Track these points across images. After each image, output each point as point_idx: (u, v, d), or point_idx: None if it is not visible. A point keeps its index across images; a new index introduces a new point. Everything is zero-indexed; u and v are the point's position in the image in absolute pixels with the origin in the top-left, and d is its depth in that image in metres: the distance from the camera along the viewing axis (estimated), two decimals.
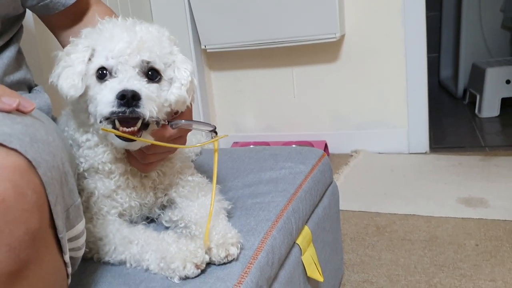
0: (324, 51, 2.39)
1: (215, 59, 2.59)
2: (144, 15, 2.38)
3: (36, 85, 1.02)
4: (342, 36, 2.33)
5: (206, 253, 0.70)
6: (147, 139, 0.72)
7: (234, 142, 2.58)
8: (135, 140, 0.71)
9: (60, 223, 0.57)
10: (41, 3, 0.95)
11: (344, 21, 2.29)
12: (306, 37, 2.24)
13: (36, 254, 0.53)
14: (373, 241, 1.54)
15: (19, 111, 0.59)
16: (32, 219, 0.51)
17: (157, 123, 0.73)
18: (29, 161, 0.52)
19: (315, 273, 0.99)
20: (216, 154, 0.74)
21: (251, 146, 2.24)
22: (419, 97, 2.32)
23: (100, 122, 0.71)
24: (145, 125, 0.72)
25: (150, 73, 0.75)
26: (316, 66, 2.45)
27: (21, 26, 1.01)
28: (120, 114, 0.69)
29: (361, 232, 1.60)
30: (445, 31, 3.72)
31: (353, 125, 2.46)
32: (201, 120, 0.79)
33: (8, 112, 0.57)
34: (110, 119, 0.70)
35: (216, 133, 0.76)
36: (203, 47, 2.45)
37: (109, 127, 0.71)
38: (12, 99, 0.58)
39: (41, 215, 0.53)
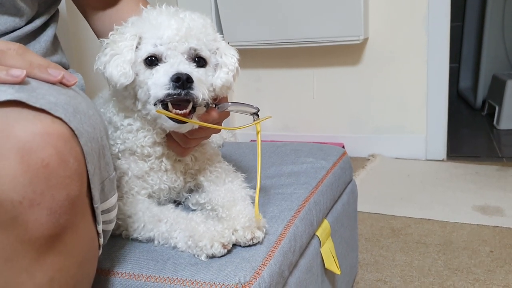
0: (346, 53, 2.40)
1: None
2: None
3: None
4: (365, 40, 2.34)
5: (232, 234, 0.72)
6: (198, 121, 0.74)
7: (251, 140, 2.60)
8: (186, 122, 0.73)
9: (96, 193, 0.59)
10: None
11: (368, 25, 2.30)
12: (329, 38, 2.26)
13: (73, 221, 0.55)
14: (388, 243, 1.54)
15: (62, 83, 0.61)
16: (72, 186, 0.53)
17: (206, 105, 0.75)
18: (72, 130, 0.54)
19: (333, 266, 1.00)
20: (259, 136, 0.76)
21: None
22: (439, 104, 2.32)
23: (155, 104, 0.73)
24: (194, 108, 0.74)
25: (196, 59, 0.77)
26: (337, 68, 2.46)
27: (57, 10, 1.03)
28: (175, 96, 0.71)
29: (376, 233, 1.61)
30: (467, 42, 3.71)
31: (371, 129, 2.47)
32: (245, 102, 0.80)
33: (53, 83, 0.59)
34: (164, 101, 0.72)
35: (258, 116, 0.77)
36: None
37: (160, 109, 0.73)
38: (57, 71, 0.60)
39: (80, 183, 0.55)
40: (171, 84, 0.71)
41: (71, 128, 0.54)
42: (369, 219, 1.71)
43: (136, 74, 0.76)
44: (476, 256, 1.43)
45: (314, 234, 0.96)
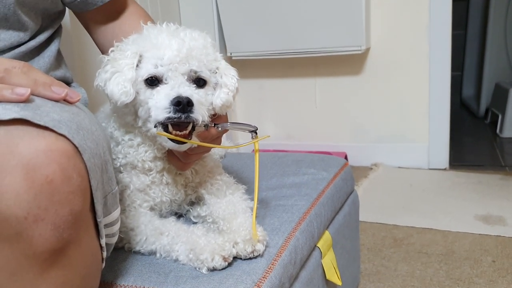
0: (348, 63, 2.42)
1: (239, 67, 2.60)
2: (172, 22, 2.43)
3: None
4: (367, 49, 2.35)
5: (233, 247, 0.73)
6: (195, 141, 0.76)
7: (252, 150, 2.61)
8: (185, 142, 0.75)
9: (99, 208, 0.61)
10: None
11: (369, 35, 2.32)
12: (331, 48, 2.27)
13: (77, 235, 0.56)
14: (390, 253, 1.54)
15: (66, 101, 0.62)
16: (75, 201, 0.55)
17: (205, 126, 0.77)
18: (76, 147, 0.55)
19: (334, 277, 1.00)
20: (257, 154, 0.78)
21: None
22: (441, 113, 2.32)
23: (155, 126, 0.75)
24: (193, 128, 0.75)
25: (197, 80, 0.78)
26: (339, 77, 2.47)
27: (61, 26, 1.04)
28: (175, 120, 0.72)
29: (378, 243, 1.61)
30: (469, 50, 3.72)
31: (374, 138, 2.47)
32: (243, 123, 0.82)
33: (57, 101, 0.61)
34: (163, 123, 0.74)
35: (256, 133, 0.79)
36: (228, 54, 2.49)
37: (161, 130, 0.75)
38: (61, 89, 0.61)
39: (84, 198, 0.56)
40: (172, 108, 0.72)
41: (74, 145, 0.55)
42: (371, 228, 1.72)
43: (137, 93, 0.77)
44: (478, 266, 1.43)
45: (315, 245, 0.96)
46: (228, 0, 2.35)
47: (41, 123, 0.53)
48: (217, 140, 0.85)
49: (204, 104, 0.76)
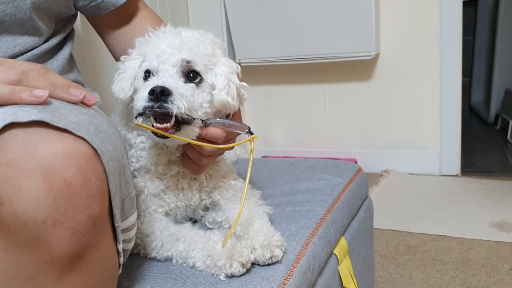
0: (358, 69, 2.40)
1: (248, 73, 2.62)
2: None
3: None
4: (377, 55, 2.34)
5: (251, 253, 0.71)
6: (183, 137, 0.72)
7: (262, 156, 2.60)
8: (167, 137, 0.71)
9: (117, 212, 0.59)
10: (93, 3, 0.97)
11: (379, 40, 2.31)
12: (341, 54, 2.26)
13: (95, 240, 0.55)
14: (404, 260, 1.52)
15: (83, 103, 0.61)
16: (94, 205, 0.53)
17: (190, 120, 0.73)
18: (95, 150, 0.54)
19: (351, 284, 0.99)
20: (252, 154, 0.74)
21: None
22: (452, 119, 2.30)
23: (136, 117, 0.72)
24: (184, 123, 0.72)
25: (191, 75, 0.75)
26: (349, 83, 2.46)
27: (73, 29, 1.04)
28: (149, 110, 0.70)
29: (391, 251, 1.59)
30: (478, 56, 3.70)
31: (384, 145, 2.45)
32: (236, 122, 0.78)
33: (75, 103, 0.60)
34: (145, 115, 0.71)
35: (251, 133, 0.76)
36: (237, 60, 2.48)
37: (149, 124, 0.72)
38: (78, 91, 0.60)
39: (102, 202, 0.55)
40: (147, 97, 0.70)
41: (93, 148, 0.54)
42: (384, 235, 1.70)
43: (136, 89, 0.78)
44: (495, 274, 1.40)
45: (332, 252, 0.94)
46: (237, 7, 2.35)
47: (60, 125, 0.52)
48: (229, 142, 0.82)
49: (187, 97, 0.72)
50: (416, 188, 2.16)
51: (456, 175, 2.32)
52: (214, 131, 0.77)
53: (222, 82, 0.78)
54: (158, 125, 0.70)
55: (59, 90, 0.58)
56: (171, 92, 0.70)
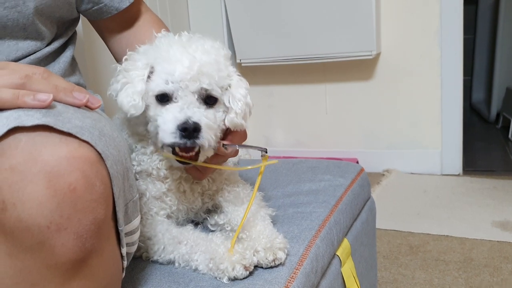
0: (359, 68, 2.40)
1: (249, 73, 2.62)
2: (182, 29, 2.43)
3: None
4: (378, 55, 2.33)
5: (253, 255, 0.71)
6: (202, 163, 0.76)
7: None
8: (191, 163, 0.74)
9: (121, 216, 0.59)
10: (95, 7, 0.97)
11: (380, 40, 2.30)
12: (342, 54, 2.26)
13: (99, 244, 0.55)
14: (407, 260, 1.52)
15: (87, 106, 0.61)
16: (98, 210, 0.53)
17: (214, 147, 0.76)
18: (99, 153, 0.54)
19: (354, 286, 0.98)
20: (260, 177, 0.77)
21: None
22: (453, 118, 2.30)
23: (162, 147, 0.74)
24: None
25: (209, 99, 0.76)
26: (350, 83, 2.46)
27: (75, 32, 1.04)
28: (182, 146, 0.72)
29: (394, 251, 1.59)
30: (479, 55, 3.70)
31: (386, 144, 2.45)
32: (253, 145, 0.80)
33: (78, 107, 0.59)
34: (171, 146, 0.73)
35: (266, 153, 0.77)
36: (238, 61, 2.48)
37: (168, 151, 0.75)
38: (82, 94, 0.60)
39: (106, 206, 0.55)
40: (178, 133, 0.70)
41: (97, 151, 0.54)
42: (386, 236, 1.69)
43: (148, 107, 0.76)
44: (498, 274, 1.40)
45: (335, 254, 0.94)
46: (237, 7, 2.35)
47: (64, 129, 0.52)
48: (228, 155, 0.83)
49: (212, 128, 0.74)
50: (418, 188, 2.16)
51: (458, 175, 2.32)
52: (223, 152, 0.79)
53: (240, 107, 0.79)
54: (185, 154, 0.73)
55: (62, 94, 0.58)
56: (201, 127, 0.71)
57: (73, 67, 0.99)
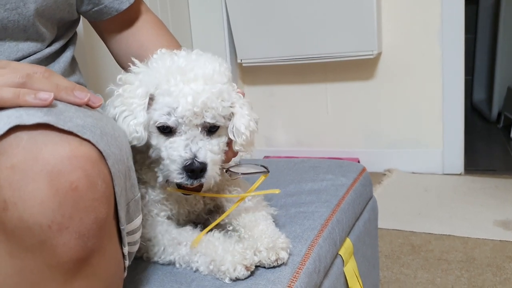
0: (360, 68, 2.40)
1: (250, 74, 2.62)
2: (183, 30, 2.43)
3: None
4: (379, 54, 2.33)
5: (255, 255, 0.71)
6: (206, 193, 0.78)
7: (264, 156, 2.59)
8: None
9: (122, 215, 0.59)
10: (95, 8, 0.97)
11: (381, 39, 2.30)
12: (343, 54, 2.26)
13: (101, 244, 0.54)
14: (409, 260, 1.51)
15: (88, 105, 0.61)
16: (100, 209, 0.53)
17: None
18: (100, 152, 0.54)
19: (356, 286, 0.98)
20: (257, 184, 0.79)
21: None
22: (455, 117, 2.30)
23: (166, 181, 0.74)
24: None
25: (211, 127, 0.74)
26: (351, 83, 2.46)
27: (75, 33, 1.04)
28: (188, 185, 0.72)
29: (396, 250, 1.58)
30: (479, 54, 3.69)
31: (387, 144, 2.45)
32: (256, 171, 0.80)
33: (79, 105, 0.59)
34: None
35: (268, 171, 0.79)
36: (239, 61, 2.48)
37: (173, 186, 0.75)
38: (83, 93, 0.60)
39: (108, 205, 0.54)
40: (185, 174, 0.70)
41: (99, 150, 0.54)
42: (387, 235, 1.69)
43: (150, 136, 0.74)
44: (501, 273, 1.40)
45: (337, 253, 0.94)
46: (238, 7, 2.34)
47: (65, 128, 0.51)
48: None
49: (217, 162, 0.74)
50: (419, 187, 2.16)
51: (460, 174, 2.31)
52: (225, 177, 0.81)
53: (245, 139, 0.78)
54: (190, 186, 0.73)
55: (63, 93, 0.58)
56: (207, 167, 0.71)
57: (73, 67, 0.99)
